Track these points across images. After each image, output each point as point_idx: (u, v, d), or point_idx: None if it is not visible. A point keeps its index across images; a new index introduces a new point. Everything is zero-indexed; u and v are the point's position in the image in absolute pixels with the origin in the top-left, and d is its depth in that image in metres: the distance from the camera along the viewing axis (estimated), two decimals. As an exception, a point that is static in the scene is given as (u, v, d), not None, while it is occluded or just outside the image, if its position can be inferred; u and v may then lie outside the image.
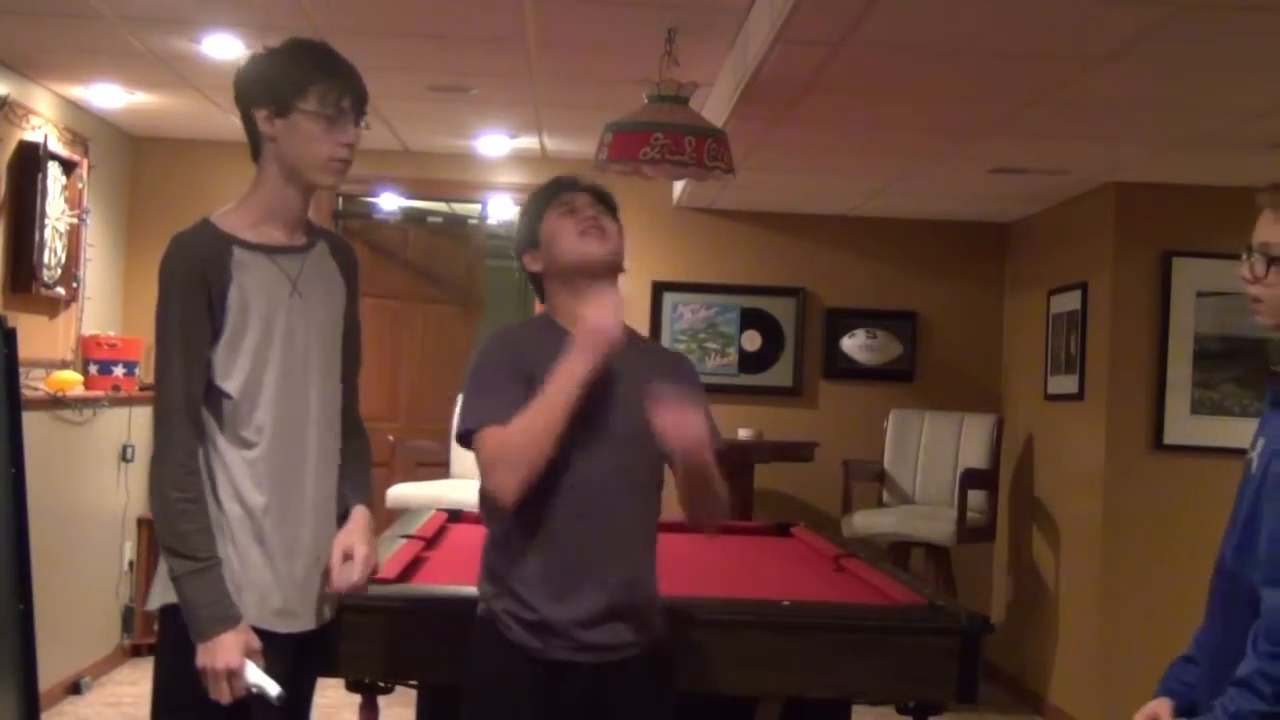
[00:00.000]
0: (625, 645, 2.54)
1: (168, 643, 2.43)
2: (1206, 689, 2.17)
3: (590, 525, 2.50)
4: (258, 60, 2.49)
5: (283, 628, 2.44)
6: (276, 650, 2.41)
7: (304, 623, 2.48)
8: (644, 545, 2.62)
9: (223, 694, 2.30)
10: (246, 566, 2.40)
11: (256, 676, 2.32)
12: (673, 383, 2.50)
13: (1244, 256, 2.17)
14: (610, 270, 2.58)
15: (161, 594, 2.41)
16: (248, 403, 2.39)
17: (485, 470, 2.43)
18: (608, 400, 2.51)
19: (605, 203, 2.63)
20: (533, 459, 2.39)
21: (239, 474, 2.40)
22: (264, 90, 2.44)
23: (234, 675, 2.30)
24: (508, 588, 2.51)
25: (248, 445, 2.40)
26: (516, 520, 2.49)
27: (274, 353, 2.42)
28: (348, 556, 2.49)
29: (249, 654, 2.33)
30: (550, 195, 2.62)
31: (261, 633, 2.39)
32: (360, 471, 2.63)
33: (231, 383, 2.39)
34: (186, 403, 2.36)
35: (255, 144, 2.48)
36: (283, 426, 2.43)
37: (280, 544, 2.43)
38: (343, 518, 2.55)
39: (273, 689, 2.33)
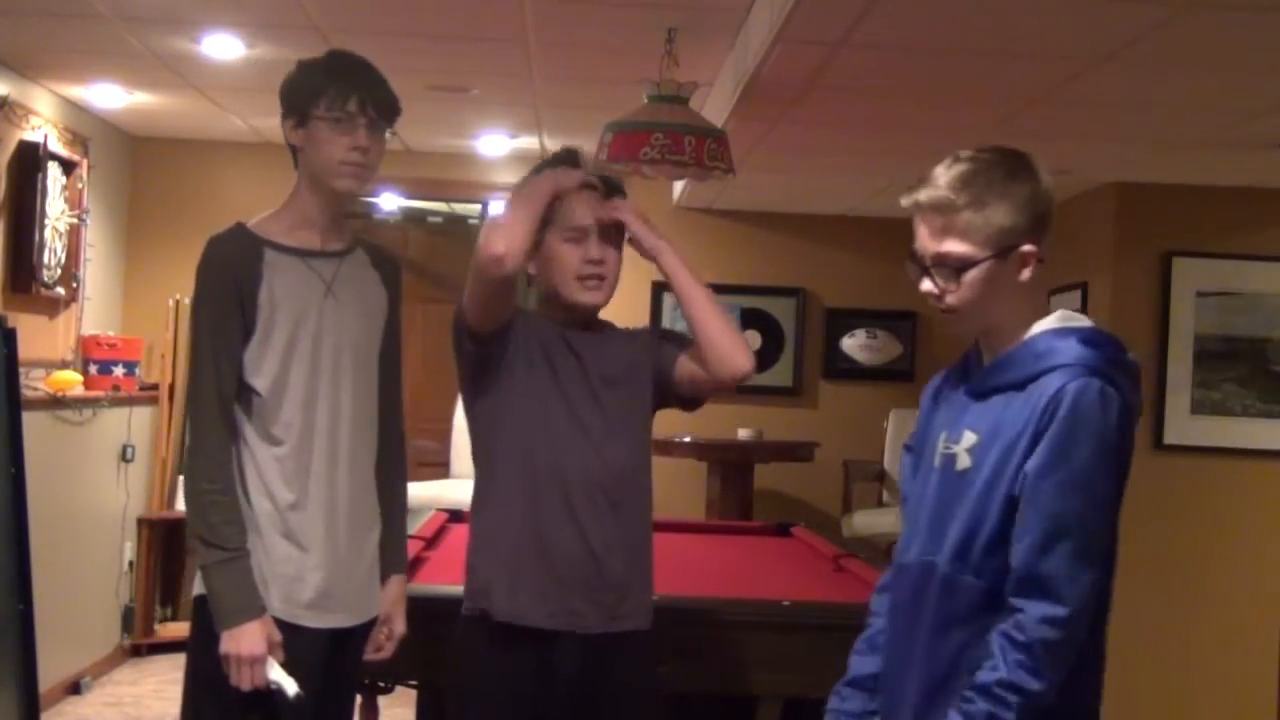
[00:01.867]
0: (613, 620, 2.54)
1: (200, 633, 2.46)
2: (900, 695, 2.09)
3: (578, 513, 2.52)
4: (291, 73, 2.54)
5: (314, 622, 2.46)
6: (307, 645, 2.45)
7: (341, 618, 2.51)
8: (632, 531, 2.61)
9: (243, 681, 2.34)
10: (273, 560, 2.43)
11: (276, 673, 2.36)
12: (642, 353, 2.64)
13: (916, 271, 2.05)
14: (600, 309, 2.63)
15: (198, 584, 2.46)
16: (275, 400, 2.44)
17: (480, 257, 2.43)
18: (588, 387, 2.56)
19: (612, 195, 2.61)
20: (517, 220, 2.44)
21: (268, 470, 2.44)
22: (287, 101, 2.51)
23: (256, 663, 2.34)
24: (501, 559, 2.52)
25: (277, 442, 2.45)
26: (506, 509, 2.53)
27: (303, 352, 2.47)
28: (386, 628, 2.65)
29: (270, 646, 2.37)
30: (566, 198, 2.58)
31: (292, 626, 2.42)
32: (399, 532, 2.71)
33: (260, 380, 2.44)
34: (218, 399, 2.42)
35: (294, 153, 2.54)
36: (312, 425, 2.47)
37: (313, 539, 2.46)
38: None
39: (290, 688, 2.36)
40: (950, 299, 2.03)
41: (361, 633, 2.59)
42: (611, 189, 2.62)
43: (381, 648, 2.66)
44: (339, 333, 2.51)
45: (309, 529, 2.46)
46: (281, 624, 2.41)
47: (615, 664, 2.53)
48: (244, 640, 2.34)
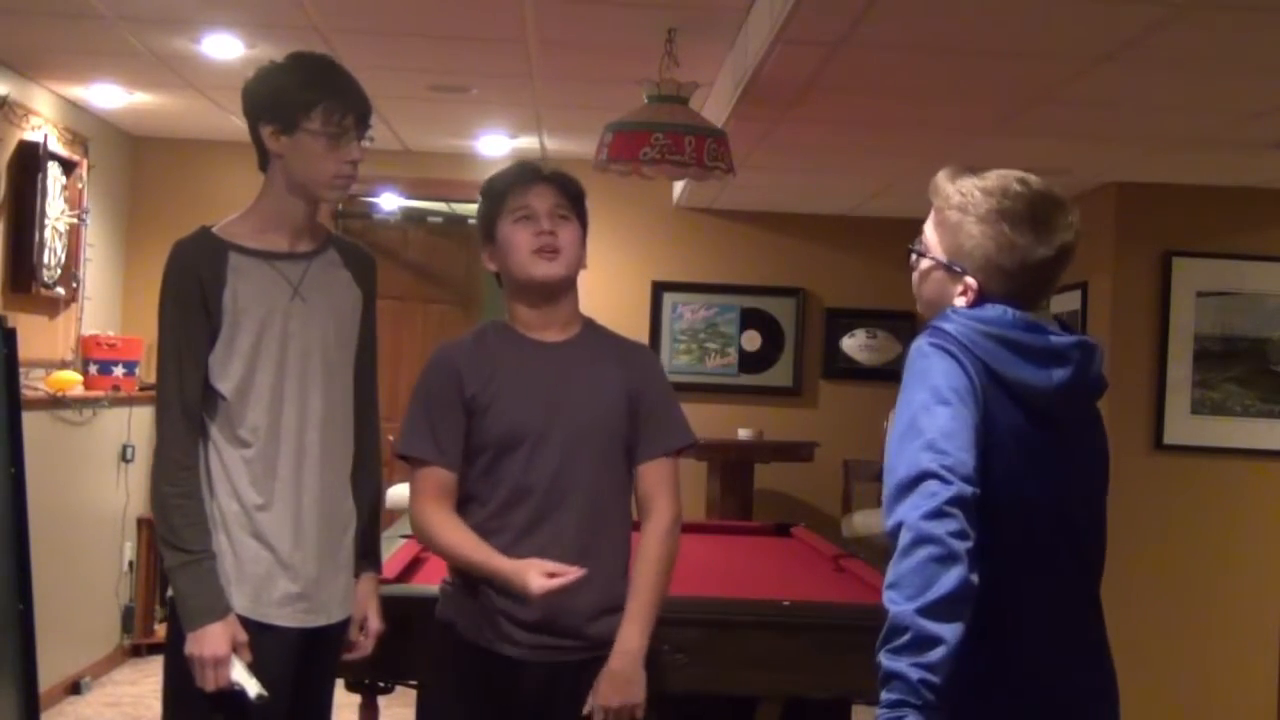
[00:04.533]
0: (603, 641, 2.52)
1: (173, 633, 2.47)
2: None
3: (544, 522, 2.49)
4: (264, 76, 2.52)
5: (285, 621, 2.46)
6: (278, 645, 2.45)
7: (313, 618, 2.51)
8: (613, 543, 2.58)
9: (207, 682, 2.36)
10: (241, 560, 2.44)
11: (239, 674, 2.37)
12: (639, 380, 2.57)
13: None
14: (562, 287, 2.55)
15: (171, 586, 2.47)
16: (241, 403, 2.45)
17: (412, 506, 2.56)
18: (570, 398, 2.52)
19: (567, 193, 2.56)
20: (433, 546, 2.58)
21: (236, 472, 2.45)
22: (270, 108, 2.48)
23: (219, 664, 2.35)
24: (473, 579, 2.49)
25: (244, 444, 2.46)
26: (487, 520, 2.50)
27: (269, 355, 2.47)
28: (363, 627, 2.63)
29: (235, 647, 2.38)
30: (508, 188, 2.55)
31: (262, 626, 2.43)
32: (372, 530, 2.71)
33: (226, 384, 2.44)
34: (181, 402, 2.42)
35: (262, 156, 2.52)
36: (279, 427, 2.48)
37: (282, 540, 2.47)
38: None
39: (252, 689, 2.37)
40: (913, 274, 2.12)
41: (336, 632, 2.59)
42: (568, 193, 2.58)
43: (358, 646, 2.65)
44: (307, 335, 2.51)
45: (277, 530, 2.46)
46: (252, 623, 2.42)
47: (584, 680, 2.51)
48: (207, 641, 2.36)
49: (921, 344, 1.96)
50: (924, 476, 1.81)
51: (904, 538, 1.78)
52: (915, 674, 1.72)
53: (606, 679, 2.46)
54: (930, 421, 1.86)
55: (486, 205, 2.59)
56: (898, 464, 1.86)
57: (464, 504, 2.54)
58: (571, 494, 2.50)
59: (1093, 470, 2.11)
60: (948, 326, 1.96)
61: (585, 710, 2.46)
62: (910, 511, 1.79)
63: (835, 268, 7.26)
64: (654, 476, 2.58)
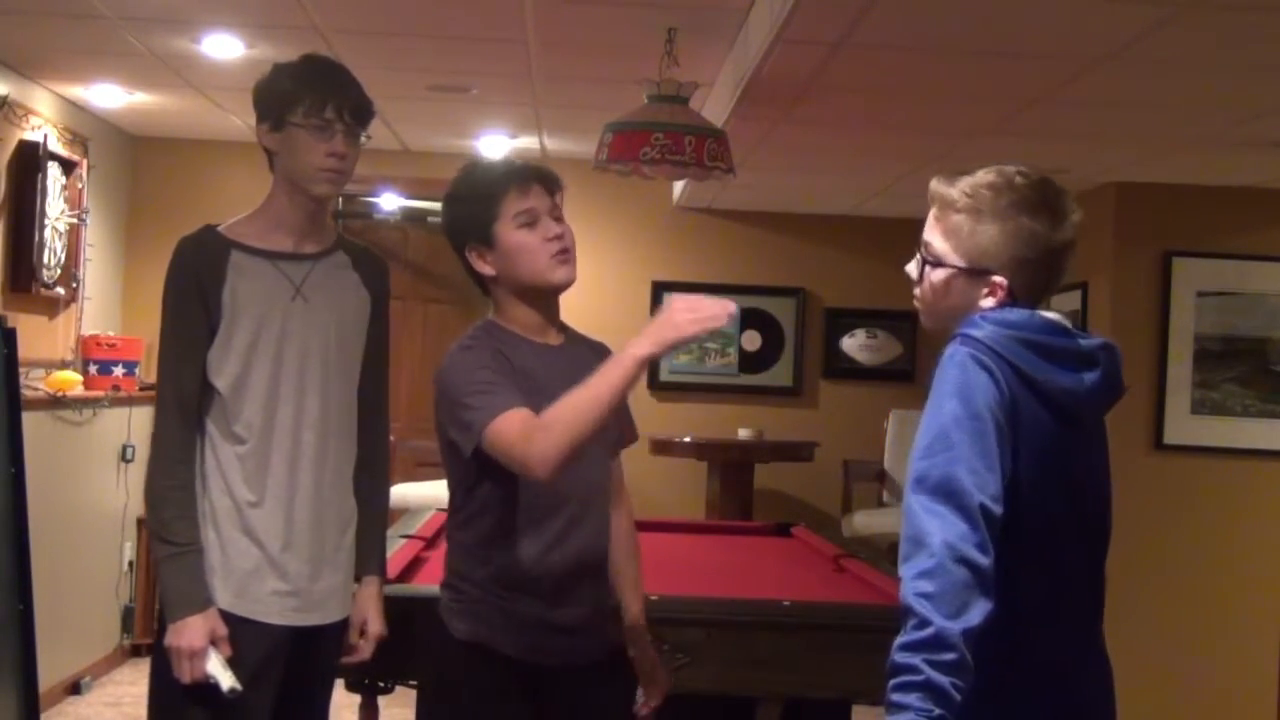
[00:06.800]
0: (608, 642, 2.52)
1: (161, 626, 2.47)
2: None
3: (576, 527, 2.47)
4: (265, 77, 2.55)
5: (273, 618, 2.47)
6: (264, 641, 2.46)
7: (304, 617, 2.51)
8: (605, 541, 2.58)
9: (184, 674, 2.37)
10: (229, 555, 2.45)
11: (213, 666, 2.38)
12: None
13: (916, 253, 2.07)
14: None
15: None
16: (236, 400, 2.47)
17: (520, 444, 2.22)
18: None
19: (555, 190, 2.50)
20: (578, 430, 2.18)
21: (229, 468, 2.47)
22: (262, 106, 2.52)
23: (195, 656, 2.37)
24: (507, 591, 2.43)
25: (239, 441, 2.47)
26: (520, 527, 2.43)
27: (265, 353, 2.48)
28: (362, 630, 2.63)
29: (215, 640, 2.39)
30: (501, 189, 2.45)
31: (246, 621, 2.44)
32: (376, 534, 2.70)
33: (222, 380, 2.47)
34: (177, 396, 2.45)
35: (270, 157, 2.55)
36: (274, 425, 2.49)
37: (272, 537, 2.48)
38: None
39: (225, 682, 2.37)
40: (916, 289, 2.07)
41: (332, 633, 2.58)
42: (553, 187, 2.51)
43: (356, 649, 2.64)
44: (306, 335, 2.51)
45: (268, 527, 2.47)
46: (234, 617, 2.43)
47: (609, 682, 2.53)
48: (184, 633, 2.37)
49: (956, 352, 1.93)
50: (960, 494, 1.80)
51: (942, 549, 1.77)
52: (958, 696, 1.74)
53: (652, 666, 2.56)
54: (962, 436, 1.84)
55: (475, 208, 2.46)
56: (929, 469, 1.84)
57: (489, 512, 2.43)
58: (596, 497, 2.51)
59: (1103, 467, 2.14)
60: (978, 334, 1.94)
61: (638, 708, 2.52)
62: (949, 527, 1.78)
63: (835, 268, 7.27)
64: (618, 468, 2.66)
